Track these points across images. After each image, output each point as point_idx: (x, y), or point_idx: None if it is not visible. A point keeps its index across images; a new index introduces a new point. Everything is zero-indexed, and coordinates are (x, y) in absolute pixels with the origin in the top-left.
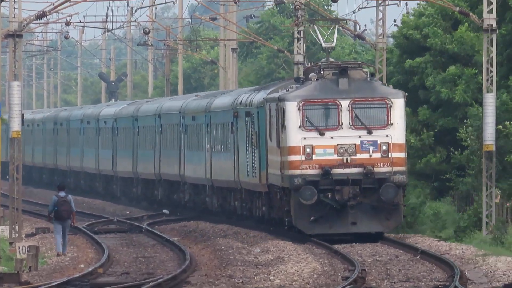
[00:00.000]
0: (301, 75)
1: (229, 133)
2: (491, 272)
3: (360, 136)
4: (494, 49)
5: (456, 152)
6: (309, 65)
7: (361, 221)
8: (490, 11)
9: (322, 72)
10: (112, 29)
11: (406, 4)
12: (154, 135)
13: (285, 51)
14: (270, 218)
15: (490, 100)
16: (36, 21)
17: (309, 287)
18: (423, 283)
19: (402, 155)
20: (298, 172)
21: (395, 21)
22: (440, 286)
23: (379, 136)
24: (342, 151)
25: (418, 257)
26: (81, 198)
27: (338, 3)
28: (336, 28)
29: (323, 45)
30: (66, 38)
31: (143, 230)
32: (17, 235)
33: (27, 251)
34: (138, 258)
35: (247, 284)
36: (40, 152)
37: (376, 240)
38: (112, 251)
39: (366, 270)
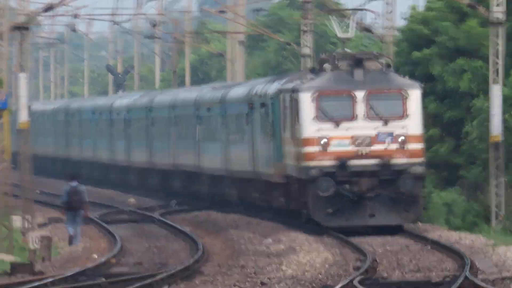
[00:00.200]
0: (308, 67)
1: (244, 124)
2: (501, 261)
3: (376, 128)
4: (501, 41)
5: (465, 139)
6: (324, 56)
7: (380, 213)
8: (498, 4)
9: (337, 63)
10: (120, 22)
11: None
12: (169, 126)
13: (292, 44)
14: (288, 210)
15: (496, 93)
16: (44, 14)
17: (321, 277)
18: (433, 273)
19: (419, 146)
20: (314, 163)
21: (402, 14)
22: (449, 277)
23: (395, 127)
24: (358, 142)
25: (429, 247)
26: (94, 188)
27: None
28: (351, 19)
29: (339, 35)
30: (73, 30)
31: (155, 220)
32: (29, 225)
33: (40, 241)
34: (150, 248)
35: (259, 275)
36: (52, 143)
37: (395, 232)
38: (125, 241)
39: (377, 260)
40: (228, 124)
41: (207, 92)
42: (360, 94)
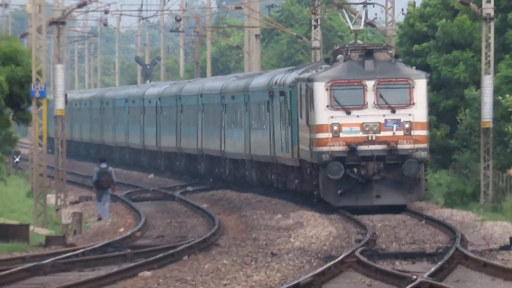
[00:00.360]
0: (318, 59)
1: (265, 111)
2: (488, 235)
3: (384, 115)
4: (492, 35)
5: (459, 126)
6: (337, 47)
7: (385, 194)
8: (488, 1)
9: (349, 54)
10: (147, 17)
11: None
12: (197, 113)
13: (303, 37)
14: (301, 191)
15: (488, 82)
16: (78, 10)
17: (326, 249)
18: (427, 245)
19: (423, 132)
20: (325, 148)
21: (402, 10)
22: (441, 249)
23: (402, 115)
24: (367, 129)
25: (423, 222)
26: (126, 171)
27: None
28: (364, 11)
29: (351, 28)
30: (105, 25)
31: (175, 198)
32: (62, 202)
33: (72, 217)
34: (171, 223)
35: (270, 246)
36: (88, 129)
37: (399, 212)
38: (148, 217)
39: (377, 233)
40: (251, 111)
41: (232, 81)
42: (370, 84)
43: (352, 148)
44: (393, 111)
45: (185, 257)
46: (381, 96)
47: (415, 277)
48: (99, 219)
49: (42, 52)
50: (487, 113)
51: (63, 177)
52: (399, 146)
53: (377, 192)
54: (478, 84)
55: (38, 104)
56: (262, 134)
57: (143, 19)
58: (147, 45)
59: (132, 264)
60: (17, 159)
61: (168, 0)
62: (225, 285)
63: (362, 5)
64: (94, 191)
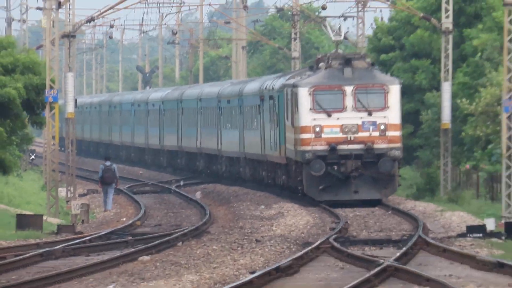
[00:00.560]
0: (297, 67)
1: (257, 113)
2: (447, 224)
3: (361, 117)
4: (450, 47)
5: (422, 126)
6: (320, 56)
7: (362, 189)
8: (447, 17)
9: (330, 62)
10: (147, 31)
11: (381, 10)
12: (196, 115)
13: (284, 49)
14: (288, 186)
15: (446, 88)
16: (86, 24)
17: (304, 236)
18: (393, 233)
19: (397, 133)
20: (308, 148)
21: (371, 24)
22: (406, 236)
23: (378, 117)
24: (346, 130)
25: (390, 212)
26: (131, 167)
27: (326, 10)
28: (342, 24)
29: (333, 38)
30: (110, 38)
31: (171, 191)
32: (72, 195)
33: (80, 207)
34: (168, 213)
35: (254, 234)
36: (97, 130)
37: (374, 205)
38: (148, 208)
39: (349, 222)
40: (244, 114)
41: (227, 87)
42: (349, 89)
43: (332, 148)
44: (370, 114)
45: (180, 243)
46: (359, 100)
47: (382, 261)
48: (104, 209)
49: (55, 62)
50: (446, 115)
51: (73, 172)
52: (375, 146)
53: (355, 188)
54: (436, 89)
55: (51, 108)
56: (254, 134)
57: (143, 32)
58: (147, 55)
59: (132, 250)
60: (32, 157)
61: (165, 16)
62: (214, 268)
63: (342, 18)
64: (99, 186)
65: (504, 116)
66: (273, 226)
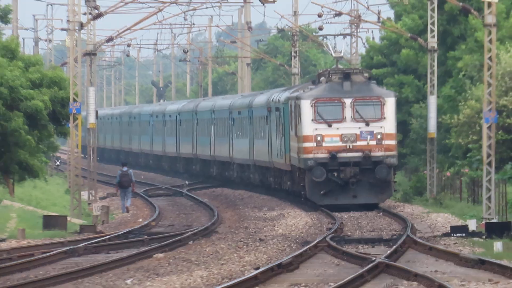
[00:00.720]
0: (297, 83)
1: (265, 124)
2: (433, 224)
3: (360, 127)
4: (435, 64)
5: (410, 134)
6: (321, 71)
7: (361, 194)
8: (433, 36)
9: (330, 76)
10: (161, 49)
11: (372, 31)
12: (210, 126)
13: (285, 65)
14: (292, 191)
15: (432, 101)
16: (106, 44)
17: (303, 235)
18: (384, 232)
19: (393, 142)
20: (310, 155)
21: (364, 44)
22: (395, 235)
23: (375, 127)
24: (345, 139)
25: (381, 214)
26: (148, 173)
27: (323, 30)
28: (356, 38)
29: (333, 55)
30: (128, 55)
31: (183, 194)
32: (93, 198)
33: (101, 209)
34: (180, 215)
35: (258, 233)
36: (118, 139)
37: (372, 209)
38: (162, 210)
39: (344, 223)
40: (253, 124)
41: (238, 99)
42: (348, 101)
43: (333, 155)
44: (367, 124)
45: (191, 242)
46: (357, 112)
47: (374, 258)
48: (123, 210)
49: (78, 78)
50: (432, 125)
51: (94, 177)
52: (372, 154)
53: (354, 193)
54: (421, 101)
55: (75, 119)
56: (262, 143)
57: (158, 51)
58: (160, 71)
59: (148, 248)
60: (58, 163)
61: (177, 36)
62: (222, 264)
63: (342, 36)
64: (116, 190)
65: (484, 126)
66: (275, 227)
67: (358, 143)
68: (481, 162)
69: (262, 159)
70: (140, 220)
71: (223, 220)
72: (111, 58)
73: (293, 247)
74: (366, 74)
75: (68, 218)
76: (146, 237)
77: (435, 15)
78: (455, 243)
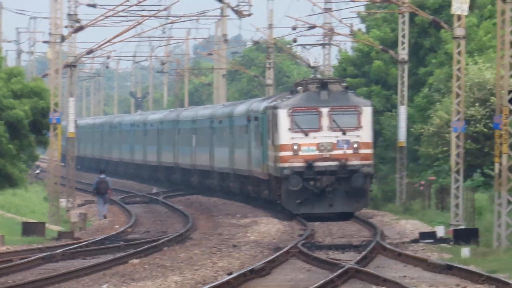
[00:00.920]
0: (271, 93)
1: (244, 133)
2: (402, 231)
3: (336, 136)
4: (406, 75)
5: (378, 142)
6: (299, 80)
7: (337, 203)
8: (403, 49)
9: (307, 85)
10: (139, 61)
11: (345, 43)
12: (191, 135)
13: (259, 77)
14: (270, 200)
15: (402, 111)
16: (86, 56)
17: (275, 241)
18: (354, 239)
19: (369, 151)
20: (287, 164)
21: (336, 56)
22: (365, 242)
23: (351, 136)
24: (322, 148)
25: (351, 220)
26: (128, 182)
27: (297, 42)
28: (329, 49)
29: (311, 64)
30: (107, 67)
31: (159, 201)
32: (71, 205)
33: (78, 216)
34: (155, 221)
35: (231, 240)
36: (99, 148)
37: (348, 218)
38: (138, 216)
39: (315, 229)
40: (234, 133)
41: (219, 109)
42: (325, 110)
43: (309, 164)
44: (344, 133)
45: (165, 248)
46: (334, 121)
47: (344, 264)
48: (100, 217)
49: (58, 89)
50: (402, 135)
51: (72, 185)
52: (349, 163)
53: (330, 202)
54: (390, 111)
55: (55, 128)
56: (242, 152)
57: (136, 62)
58: (139, 83)
59: (124, 253)
60: (37, 171)
61: (156, 48)
62: (196, 270)
63: (315, 48)
64: (93, 196)
65: (453, 136)
66: (248, 233)
67: (335, 152)
68: (448, 171)
69: (242, 168)
70: (117, 226)
71: (198, 226)
72: (91, 69)
73: (265, 253)
74: (343, 84)
75: (47, 225)
76: (122, 243)
77: (406, 28)
78: (423, 249)
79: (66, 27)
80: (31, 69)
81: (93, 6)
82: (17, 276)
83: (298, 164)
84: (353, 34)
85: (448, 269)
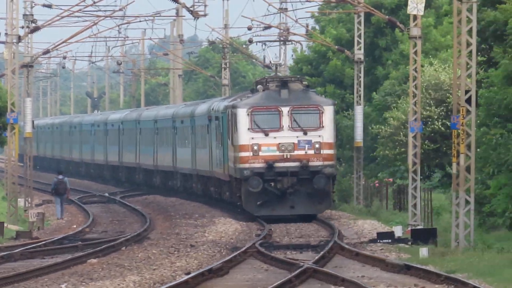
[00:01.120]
0: (227, 94)
1: (206, 133)
2: (360, 231)
3: (297, 136)
4: (362, 75)
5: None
6: (259, 79)
7: (298, 205)
8: (359, 49)
9: (267, 84)
10: (95, 62)
11: (300, 44)
12: (153, 135)
13: (215, 77)
14: (231, 201)
15: (359, 111)
16: (42, 56)
17: (233, 241)
18: (312, 238)
19: (331, 151)
20: (247, 165)
21: (292, 55)
22: (323, 241)
23: (313, 136)
24: (283, 148)
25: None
26: (89, 182)
27: (252, 42)
28: (285, 49)
29: (272, 62)
30: (63, 67)
31: (116, 201)
32: (29, 205)
33: (37, 216)
34: (113, 221)
35: (189, 239)
36: (58, 148)
37: (310, 220)
38: (95, 216)
39: (272, 229)
40: (196, 133)
41: (181, 108)
42: (285, 109)
43: (269, 165)
44: (305, 133)
45: (123, 248)
46: (294, 120)
47: (302, 263)
48: (58, 220)
49: (15, 89)
50: (358, 135)
51: (30, 184)
52: (310, 163)
53: (292, 203)
54: (345, 111)
55: (12, 128)
56: (204, 153)
57: (92, 63)
58: (95, 83)
59: (82, 253)
60: None
61: (111, 49)
62: (154, 269)
63: (281, 44)
64: (52, 195)
65: (410, 136)
66: (205, 233)
67: (296, 152)
68: (405, 172)
69: (203, 168)
70: (75, 226)
71: (155, 226)
72: (47, 69)
73: (223, 253)
74: (304, 82)
75: (5, 224)
76: (80, 243)
77: (362, 28)
78: (381, 249)
79: (22, 27)
80: None
81: (49, 6)
82: None
83: (258, 165)
84: (309, 34)
85: (406, 269)
